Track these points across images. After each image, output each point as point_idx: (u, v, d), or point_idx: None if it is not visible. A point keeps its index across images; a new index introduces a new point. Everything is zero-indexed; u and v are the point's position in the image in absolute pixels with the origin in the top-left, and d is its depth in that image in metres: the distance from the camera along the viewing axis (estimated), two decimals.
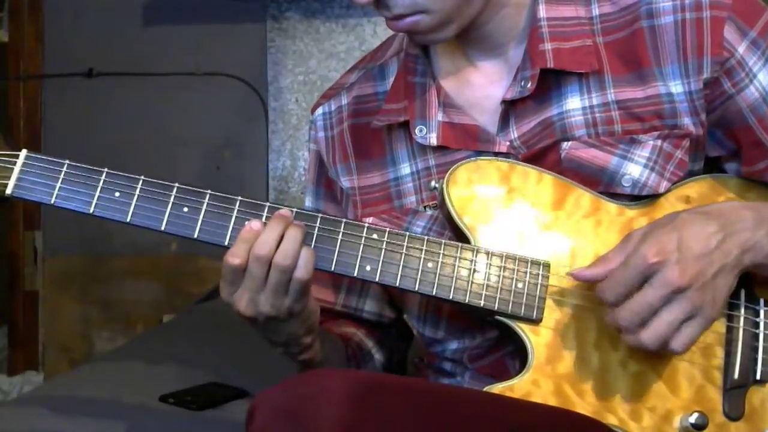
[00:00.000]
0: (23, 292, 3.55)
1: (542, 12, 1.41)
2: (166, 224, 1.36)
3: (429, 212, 1.46)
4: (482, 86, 1.46)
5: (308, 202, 1.64)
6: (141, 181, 1.37)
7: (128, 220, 1.36)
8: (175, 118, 3.41)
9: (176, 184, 1.37)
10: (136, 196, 1.37)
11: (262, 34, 3.31)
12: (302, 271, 1.30)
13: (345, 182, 1.55)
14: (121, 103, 3.44)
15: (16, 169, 1.37)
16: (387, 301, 1.61)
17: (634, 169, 1.37)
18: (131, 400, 1.96)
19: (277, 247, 1.29)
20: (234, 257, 1.29)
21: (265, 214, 1.36)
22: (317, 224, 1.35)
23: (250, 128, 3.34)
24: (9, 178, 1.37)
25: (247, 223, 1.32)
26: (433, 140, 1.44)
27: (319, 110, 1.60)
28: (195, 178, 3.31)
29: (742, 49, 1.36)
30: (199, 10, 3.36)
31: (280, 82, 3.29)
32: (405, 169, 1.49)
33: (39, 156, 1.38)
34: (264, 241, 1.29)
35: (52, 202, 1.37)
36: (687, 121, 1.38)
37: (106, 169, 1.38)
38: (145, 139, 3.42)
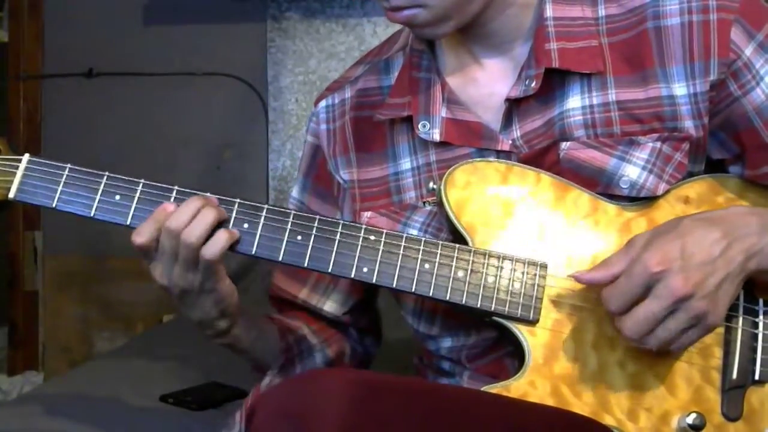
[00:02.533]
0: (23, 292, 3.55)
1: (549, 11, 1.41)
2: None
3: (428, 208, 1.46)
4: (487, 83, 1.46)
5: (294, 192, 1.66)
6: (141, 184, 1.39)
7: (128, 222, 1.39)
8: (175, 118, 3.41)
9: (176, 187, 1.39)
10: (136, 199, 1.39)
11: (262, 34, 3.31)
12: (209, 251, 1.35)
13: (344, 175, 1.55)
14: (121, 103, 3.44)
15: (19, 173, 1.41)
16: (350, 303, 1.63)
17: (632, 171, 1.37)
18: (131, 400, 1.97)
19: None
20: (138, 236, 1.35)
21: (263, 215, 1.38)
22: (315, 225, 1.37)
23: (250, 128, 3.33)
24: (12, 182, 1.40)
25: (163, 203, 1.37)
26: (436, 136, 1.44)
27: (323, 103, 1.60)
28: (195, 178, 3.32)
29: (749, 51, 1.36)
30: (199, 10, 3.35)
31: (280, 82, 3.29)
32: (405, 164, 1.49)
33: (41, 160, 1.42)
34: (176, 217, 1.34)
35: (54, 205, 1.41)
36: (688, 124, 1.38)
37: (107, 173, 1.41)
38: (145, 139, 3.42)
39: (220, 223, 1.37)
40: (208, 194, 1.39)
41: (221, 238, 1.35)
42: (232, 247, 1.38)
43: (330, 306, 1.62)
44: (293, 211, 1.38)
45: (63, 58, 3.50)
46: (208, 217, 1.35)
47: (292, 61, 3.28)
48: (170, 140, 3.41)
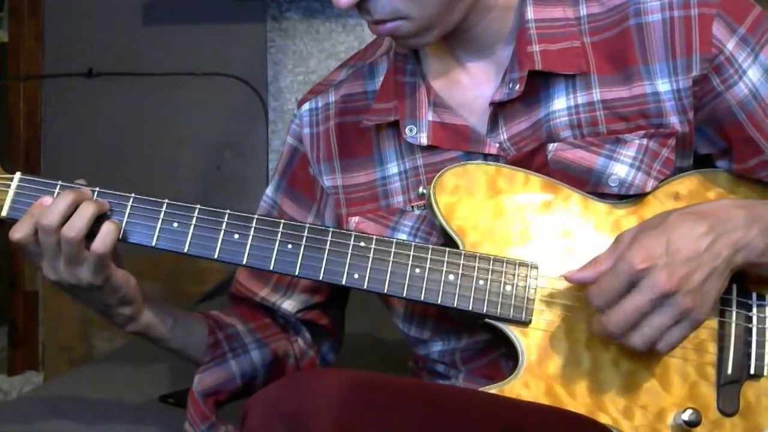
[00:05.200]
0: (23, 292, 3.54)
1: (530, 13, 1.41)
2: (156, 240, 1.41)
3: (417, 212, 1.46)
4: (471, 87, 1.46)
5: (268, 191, 1.66)
6: (132, 199, 1.41)
7: (119, 237, 1.40)
8: (175, 118, 3.41)
9: (166, 200, 1.41)
10: (126, 214, 1.41)
11: (262, 34, 3.31)
12: (98, 244, 1.37)
13: (327, 181, 1.55)
14: (121, 103, 3.44)
15: (11, 192, 1.42)
16: (311, 304, 1.64)
17: (621, 169, 1.37)
18: (131, 400, 1.98)
19: (68, 219, 1.35)
20: (15, 231, 1.38)
21: (253, 226, 1.39)
22: (305, 234, 1.38)
23: (250, 128, 3.33)
24: (4, 201, 1.42)
25: (40, 197, 1.39)
26: (424, 140, 1.44)
27: (306, 105, 1.60)
28: (195, 178, 3.32)
29: (731, 45, 1.36)
30: (199, 10, 3.35)
31: (280, 82, 3.29)
32: (392, 168, 1.49)
33: (32, 178, 1.43)
34: (50, 211, 1.35)
35: None
36: (673, 120, 1.38)
37: (97, 189, 1.42)
38: (145, 139, 3.42)
39: (101, 216, 1.39)
40: (84, 187, 1.41)
41: (110, 230, 1.37)
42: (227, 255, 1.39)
43: (288, 305, 1.63)
44: (283, 221, 1.39)
45: (63, 58, 3.49)
46: (87, 210, 1.36)
47: (292, 61, 3.28)
48: (170, 140, 3.40)
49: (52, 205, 1.36)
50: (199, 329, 1.57)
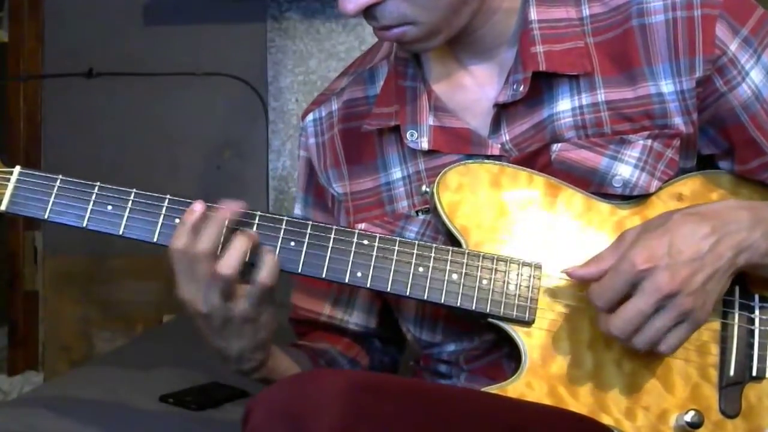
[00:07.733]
0: (23, 292, 3.54)
1: (533, 14, 1.40)
2: (158, 236, 1.37)
3: (421, 217, 1.46)
4: (474, 89, 1.45)
5: (297, 210, 1.64)
6: (133, 194, 1.38)
7: (120, 233, 1.37)
8: (175, 118, 3.41)
9: (168, 196, 1.38)
10: (128, 209, 1.38)
11: (262, 34, 3.31)
12: (267, 278, 1.30)
13: (337, 188, 1.55)
14: (121, 103, 3.44)
15: (10, 186, 1.39)
16: (375, 311, 1.61)
17: (625, 170, 1.37)
18: (131, 400, 1.97)
19: (221, 244, 1.30)
20: (175, 239, 1.31)
21: (256, 222, 1.37)
22: (308, 231, 1.36)
23: (250, 128, 3.33)
24: (3, 194, 1.39)
25: (191, 205, 1.33)
26: (425, 145, 1.44)
27: (310, 116, 1.59)
28: (195, 178, 3.32)
29: (734, 47, 1.36)
30: (199, 10, 3.35)
31: (280, 82, 3.29)
32: (396, 173, 1.49)
33: (32, 172, 1.40)
34: (204, 241, 1.30)
35: (46, 217, 1.38)
36: (678, 121, 1.38)
37: (98, 183, 1.39)
38: (145, 139, 3.42)
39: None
40: (228, 208, 1.35)
41: (272, 261, 1.31)
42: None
43: (357, 318, 1.61)
44: (286, 217, 1.37)
45: (63, 58, 3.49)
46: (243, 244, 1.30)
47: (292, 61, 3.29)
48: (170, 140, 3.41)
49: (206, 232, 1.30)
50: (304, 360, 1.53)
